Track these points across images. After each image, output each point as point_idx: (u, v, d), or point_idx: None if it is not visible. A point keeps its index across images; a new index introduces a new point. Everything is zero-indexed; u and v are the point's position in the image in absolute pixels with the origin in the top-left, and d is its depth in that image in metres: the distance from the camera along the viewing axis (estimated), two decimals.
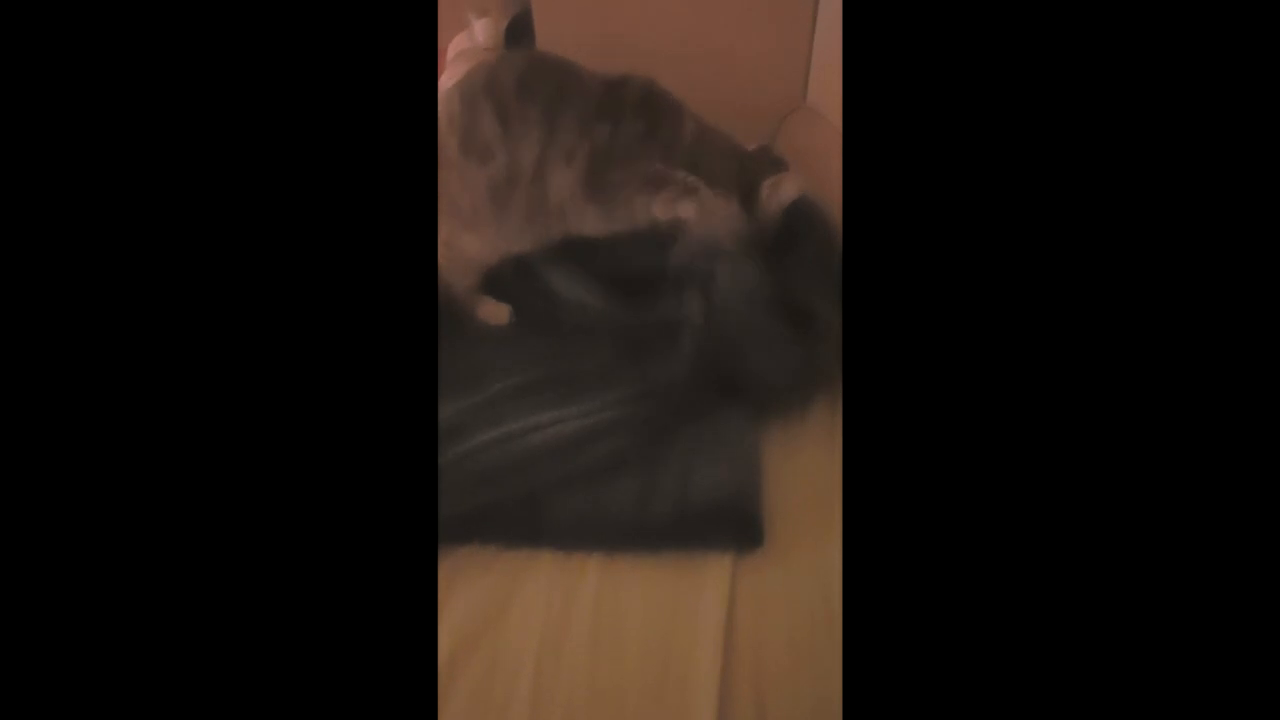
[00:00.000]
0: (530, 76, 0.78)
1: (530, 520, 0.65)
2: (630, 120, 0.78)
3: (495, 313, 0.89)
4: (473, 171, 0.77)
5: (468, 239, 0.82)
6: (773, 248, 0.82)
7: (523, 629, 0.58)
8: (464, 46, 1.16)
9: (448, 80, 1.12)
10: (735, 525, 0.63)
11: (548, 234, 0.83)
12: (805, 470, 0.69)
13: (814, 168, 1.04)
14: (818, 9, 1.08)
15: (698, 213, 0.79)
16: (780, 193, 0.81)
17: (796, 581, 0.60)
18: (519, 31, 1.13)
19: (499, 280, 0.89)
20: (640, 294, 0.82)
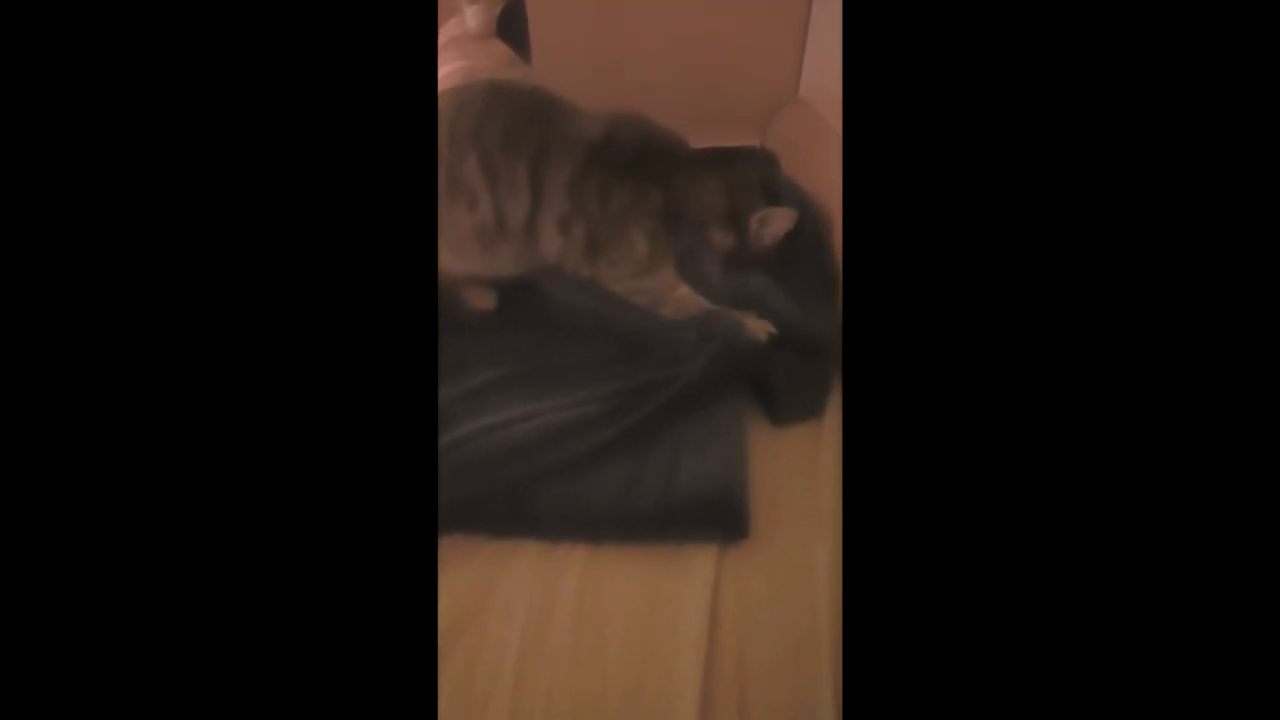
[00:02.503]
0: (518, 127, 0.74)
1: (516, 510, 0.65)
2: (619, 183, 0.75)
3: (482, 297, 0.89)
4: (460, 214, 0.76)
5: (452, 260, 0.80)
6: (763, 274, 0.84)
7: (507, 618, 0.58)
8: (455, 33, 1.15)
9: (440, 67, 1.11)
10: (721, 517, 0.64)
11: (538, 268, 0.83)
12: (791, 464, 0.69)
13: (806, 162, 1.04)
14: (811, 3, 1.08)
15: (670, 313, 0.82)
16: (771, 227, 0.79)
17: (781, 573, 0.61)
18: (511, 19, 1.13)
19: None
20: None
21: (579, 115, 0.78)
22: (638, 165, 0.76)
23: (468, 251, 0.78)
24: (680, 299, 0.82)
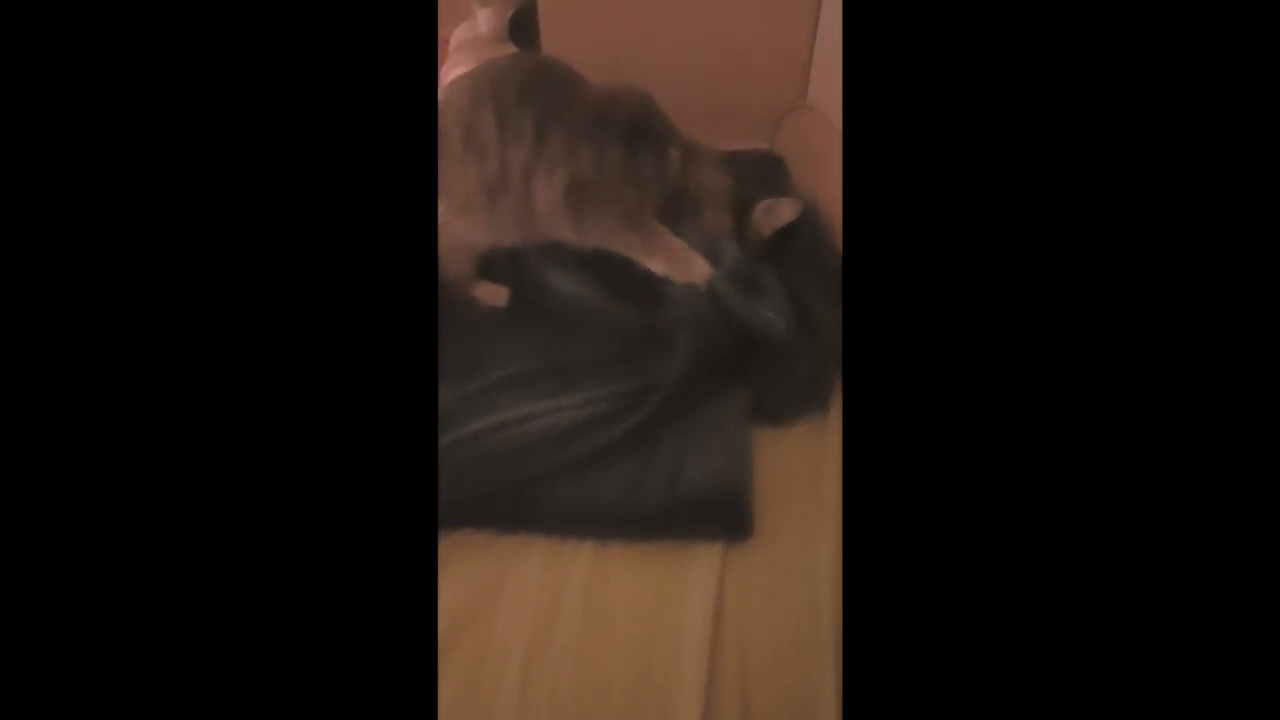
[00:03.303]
0: (532, 83, 0.78)
1: (523, 507, 0.65)
2: (615, 144, 0.77)
3: (493, 294, 0.90)
4: (471, 166, 0.78)
5: (460, 224, 0.82)
6: (762, 262, 0.83)
7: (513, 614, 0.59)
8: (467, 36, 1.16)
9: (449, 70, 1.12)
10: (725, 516, 0.64)
11: (535, 236, 0.84)
12: (795, 464, 0.70)
13: (814, 167, 1.04)
14: (820, 7, 1.08)
15: (667, 268, 0.80)
16: (774, 216, 0.81)
17: (784, 573, 0.61)
18: (523, 22, 1.13)
19: (495, 268, 0.89)
20: (635, 291, 0.83)
21: (587, 85, 0.81)
22: (637, 131, 0.78)
23: (472, 208, 0.80)
24: (676, 251, 0.79)
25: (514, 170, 0.78)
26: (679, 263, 0.79)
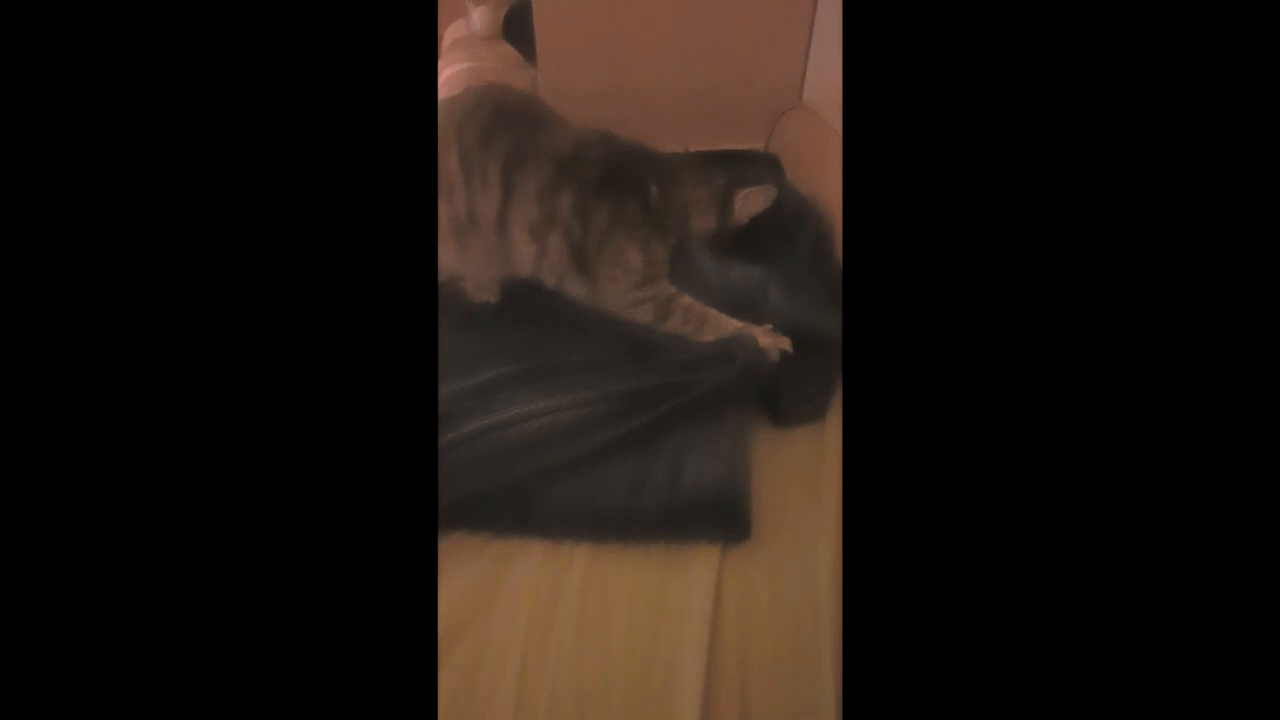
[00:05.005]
0: (497, 126, 0.79)
1: (520, 508, 0.65)
2: (599, 207, 0.79)
3: (483, 290, 0.90)
4: (440, 204, 0.80)
5: (440, 250, 0.84)
6: (737, 249, 0.86)
7: (510, 616, 0.58)
8: (460, 34, 1.16)
9: (443, 69, 1.12)
10: (724, 518, 0.64)
11: (513, 273, 0.86)
12: (794, 465, 0.70)
13: (809, 167, 1.04)
14: (816, 8, 1.08)
15: (682, 331, 0.81)
16: (749, 204, 0.85)
17: (783, 574, 0.61)
18: (517, 21, 1.13)
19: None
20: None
21: (556, 126, 0.83)
22: (611, 180, 0.80)
23: (446, 241, 0.82)
24: (686, 309, 0.81)
25: (483, 215, 0.79)
26: (693, 326, 0.80)
